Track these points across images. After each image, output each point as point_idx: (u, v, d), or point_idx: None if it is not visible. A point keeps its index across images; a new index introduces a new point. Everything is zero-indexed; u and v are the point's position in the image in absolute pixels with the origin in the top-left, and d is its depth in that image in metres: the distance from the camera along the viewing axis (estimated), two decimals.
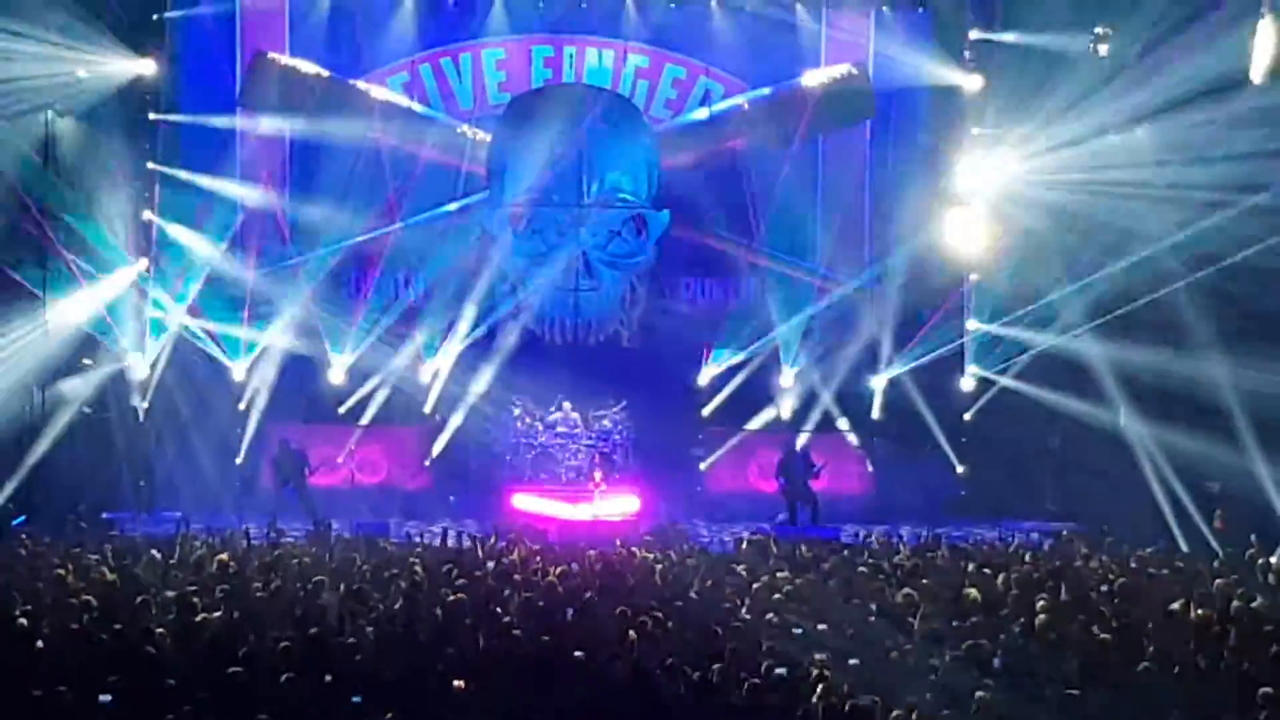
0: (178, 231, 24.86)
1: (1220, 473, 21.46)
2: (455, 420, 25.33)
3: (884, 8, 25.80)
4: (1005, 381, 25.26)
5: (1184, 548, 20.45)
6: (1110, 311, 23.20)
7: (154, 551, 17.17)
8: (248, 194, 25.23)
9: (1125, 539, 20.00)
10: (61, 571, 15.49)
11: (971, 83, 25.42)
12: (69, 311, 23.30)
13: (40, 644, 12.76)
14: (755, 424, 25.93)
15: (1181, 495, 21.94)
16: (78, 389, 23.64)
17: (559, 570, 16.06)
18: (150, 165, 24.81)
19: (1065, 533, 21.60)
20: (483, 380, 25.27)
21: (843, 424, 25.87)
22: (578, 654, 12.65)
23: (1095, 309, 23.52)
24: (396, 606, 14.22)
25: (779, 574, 15.92)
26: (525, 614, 13.97)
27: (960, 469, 25.60)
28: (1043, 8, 23.60)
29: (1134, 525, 21.39)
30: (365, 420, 25.31)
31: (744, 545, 19.35)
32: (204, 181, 24.78)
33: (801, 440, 24.76)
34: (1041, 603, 14.20)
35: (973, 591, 14.81)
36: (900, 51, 25.51)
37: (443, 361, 25.39)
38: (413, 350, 25.38)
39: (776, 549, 18.41)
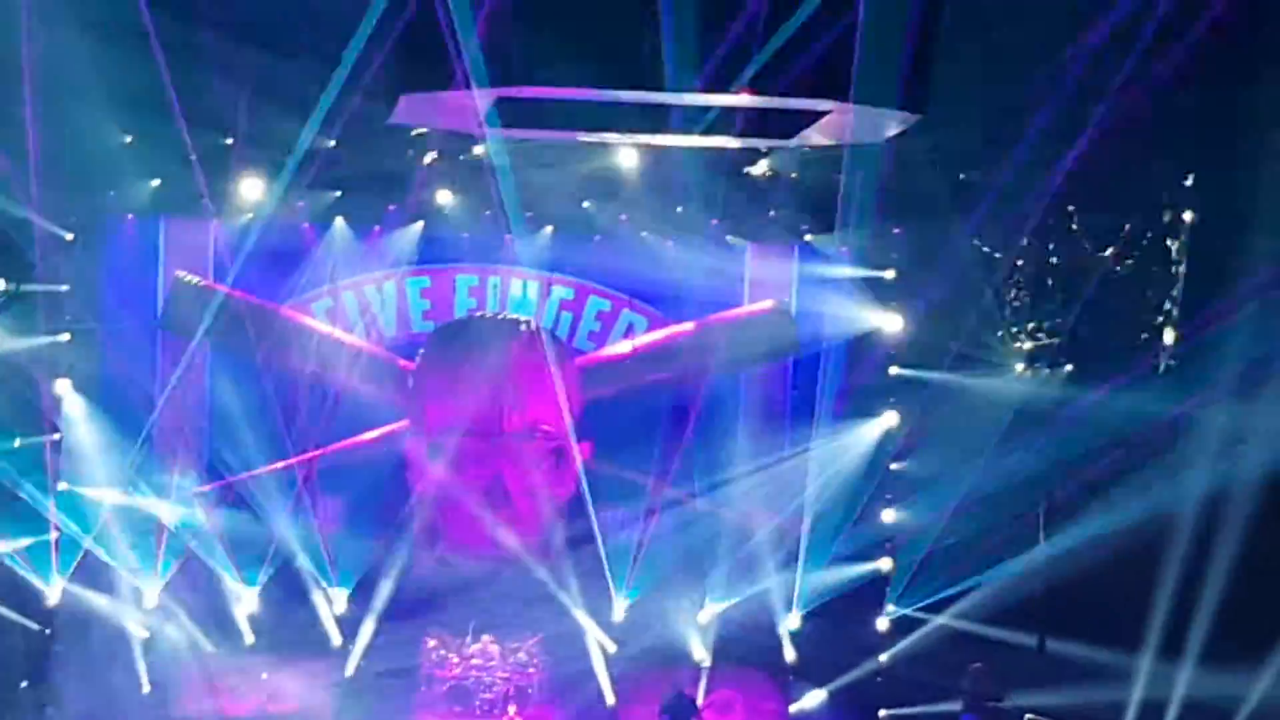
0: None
1: None
2: (363, 646, 25.07)
3: (806, 241, 25.94)
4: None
5: None
6: None
7: None
8: (164, 420, 24.95)
9: None
10: None
11: (892, 323, 25.58)
12: None
13: None
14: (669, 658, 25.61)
15: None
16: None
17: None
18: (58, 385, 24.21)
19: None
20: (397, 608, 25.01)
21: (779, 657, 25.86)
22: None
23: None
24: None
25: None
26: None
27: (883, 714, 25.37)
28: None
29: None
30: (275, 649, 24.93)
31: None
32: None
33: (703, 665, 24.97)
34: None
35: None
36: (821, 288, 25.70)
37: (357, 590, 25.16)
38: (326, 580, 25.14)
39: None
